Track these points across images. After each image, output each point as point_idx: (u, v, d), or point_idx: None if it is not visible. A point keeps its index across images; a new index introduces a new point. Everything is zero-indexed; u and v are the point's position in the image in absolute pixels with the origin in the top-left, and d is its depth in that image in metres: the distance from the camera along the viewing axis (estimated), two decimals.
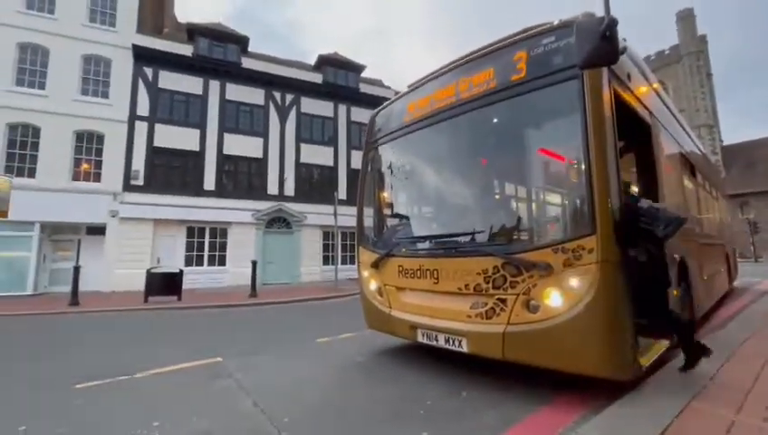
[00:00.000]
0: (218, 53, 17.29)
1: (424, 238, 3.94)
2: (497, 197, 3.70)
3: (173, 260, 14.65)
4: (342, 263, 18.07)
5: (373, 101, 18.02)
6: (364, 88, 20.67)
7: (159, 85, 15.94)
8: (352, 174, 19.20)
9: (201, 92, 16.80)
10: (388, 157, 4.47)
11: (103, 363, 4.42)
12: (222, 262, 16.24)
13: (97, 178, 14.55)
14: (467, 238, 3.39)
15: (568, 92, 2.81)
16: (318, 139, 19.37)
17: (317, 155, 19.13)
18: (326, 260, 18.47)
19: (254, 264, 11.96)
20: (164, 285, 10.74)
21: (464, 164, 3.85)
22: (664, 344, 3.41)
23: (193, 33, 17.32)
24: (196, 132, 16.45)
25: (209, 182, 16.37)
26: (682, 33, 49.34)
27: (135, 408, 3.05)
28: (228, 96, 17.31)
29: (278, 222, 17.60)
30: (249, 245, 16.53)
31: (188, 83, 16.54)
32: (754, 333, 4.35)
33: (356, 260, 4.85)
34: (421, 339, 3.59)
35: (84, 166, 14.49)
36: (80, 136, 14.54)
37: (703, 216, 6.26)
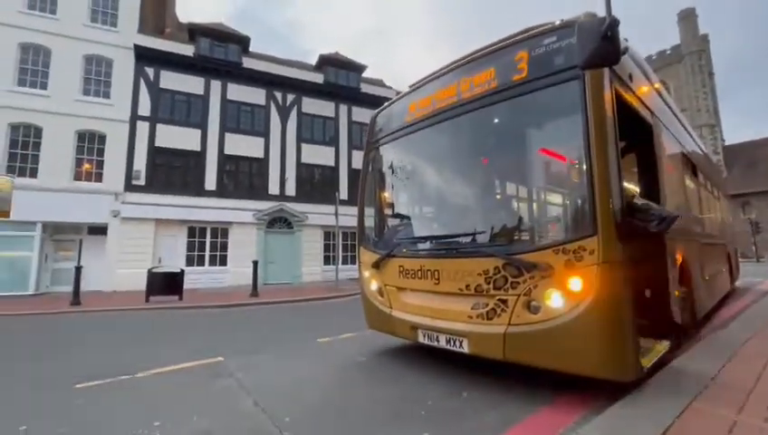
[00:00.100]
0: (220, 53, 17.31)
1: (425, 239, 3.93)
2: (498, 197, 3.69)
3: (174, 260, 14.68)
4: (343, 263, 18.09)
5: (374, 101, 18.03)
6: (365, 88, 20.68)
7: (161, 85, 15.97)
8: (353, 174, 19.21)
9: (202, 92, 16.83)
10: (390, 157, 4.47)
11: (104, 363, 4.43)
12: (223, 262, 16.26)
13: (98, 178, 14.59)
14: (468, 239, 3.38)
15: (569, 93, 2.80)
16: (319, 139, 19.39)
17: (318, 155, 19.14)
18: (327, 260, 18.49)
19: (256, 264, 11.98)
20: (165, 284, 10.77)
21: (465, 164, 3.85)
22: (665, 345, 3.40)
23: (194, 33, 17.35)
24: (198, 132, 16.48)
25: (210, 182, 16.40)
26: (683, 33, 49.23)
27: (136, 407, 3.06)
28: (229, 96, 17.34)
29: (279, 222, 17.62)
30: (250, 245, 16.56)
31: (190, 83, 16.57)
32: (756, 334, 4.33)
33: (357, 260, 4.85)
34: (422, 339, 3.59)
35: (86, 166, 14.53)
36: (81, 136, 14.58)
37: (704, 216, 6.24)
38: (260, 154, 17.64)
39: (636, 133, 3.77)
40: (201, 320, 7.94)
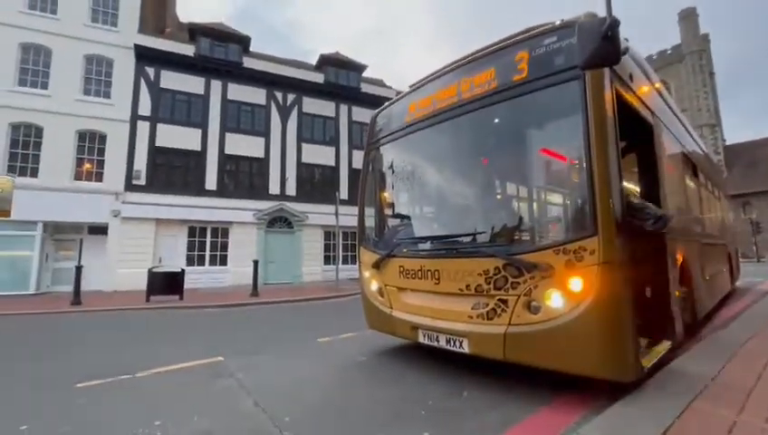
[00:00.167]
0: (220, 53, 17.32)
1: (425, 239, 3.93)
2: (498, 197, 3.69)
3: (175, 260, 14.69)
4: (343, 263, 18.10)
5: (375, 101, 18.02)
6: (365, 88, 20.68)
7: (161, 85, 15.98)
8: (354, 174, 19.21)
9: (203, 92, 16.83)
10: (390, 157, 4.47)
11: (105, 363, 4.43)
12: (223, 262, 16.27)
13: (99, 177, 14.61)
14: (469, 239, 3.39)
15: (569, 93, 2.80)
16: (319, 138, 19.39)
17: (318, 155, 19.15)
18: (327, 260, 18.50)
19: (256, 263, 11.98)
20: (166, 284, 10.78)
21: (465, 164, 3.85)
22: (665, 345, 3.41)
23: (195, 32, 17.35)
24: (198, 132, 16.48)
25: (211, 182, 16.41)
26: (684, 33, 49.16)
27: (136, 407, 3.06)
28: (230, 96, 17.35)
29: (279, 222, 17.62)
30: (250, 244, 16.57)
31: (190, 83, 16.58)
32: (756, 334, 4.33)
33: (357, 260, 4.86)
34: (422, 340, 3.59)
35: (86, 166, 14.54)
36: (82, 136, 14.60)
37: (705, 216, 6.24)
38: (260, 154, 17.65)
39: (636, 133, 3.77)
40: (201, 320, 7.94)
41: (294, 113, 18.79)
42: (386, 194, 4.63)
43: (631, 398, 2.58)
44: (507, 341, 2.90)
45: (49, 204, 13.37)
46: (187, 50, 16.66)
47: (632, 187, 4.10)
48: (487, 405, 2.82)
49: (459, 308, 3.27)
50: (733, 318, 5.69)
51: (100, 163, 14.70)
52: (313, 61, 21.31)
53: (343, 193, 18.28)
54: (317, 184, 19.11)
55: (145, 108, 15.52)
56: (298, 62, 21.20)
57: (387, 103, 4.64)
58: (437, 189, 4.18)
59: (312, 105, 19.28)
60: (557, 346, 2.69)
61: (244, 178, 17.37)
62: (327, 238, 18.68)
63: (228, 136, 17.00)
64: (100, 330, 6.86)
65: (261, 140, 17.76)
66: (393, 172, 4.47)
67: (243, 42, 18.19)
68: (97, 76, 15.15)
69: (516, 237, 3.18)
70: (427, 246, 3.79)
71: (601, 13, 2.71)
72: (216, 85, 17.12)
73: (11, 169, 13.19)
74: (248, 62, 17.84)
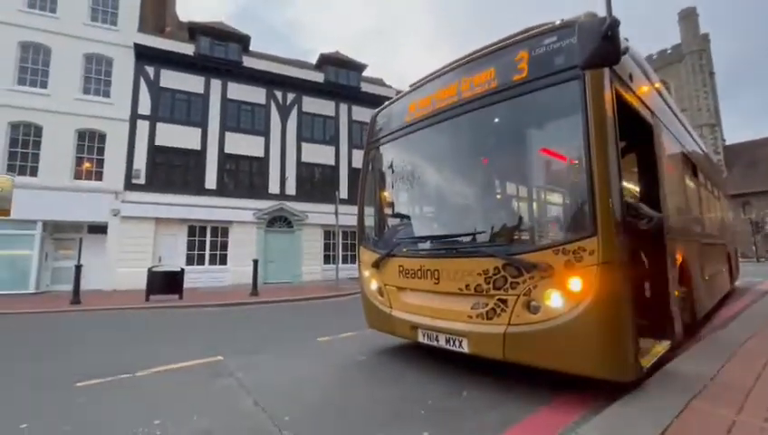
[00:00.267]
0: (220, 52, 17.30)
1: (425, 238, 3.93)
2: (498, 197, 3.69)
3: (174, 259, 14.69)
4: (343, 262, 18.11)
5: (374, 101, 18.03)
6: (365, 87, 20.67)
7: (161, 84, 15.97)
8: (353, 173, 19.21)
9: (202, 91, 16.82)
10: (390, 156, 4.47)
11: (105, 362, 4.44)
12: (223, 261, 16.27)
13: (99, 176, 14.60)
14: (468, 239, 3.39)
15: (569, 93, 2.80)
16: (319, 138, 19.38)
17: (318, 154, 19.14)
18: (327, 259, 18.51)
19: (256, 263, 11.98)
20: (165, 283, 10.78)
21: (465, 164, 3.85)
22: (665, 345, 3.41)
23: (194, 32, 17.33)
24: (198, 131, 16.47)
25: (210, 181, 16.40)
26: (684, 32, 49.16)
27: (136, 406, 3.06)
28: (230, 95, 17.34)
29: (279, 221, 17.62)
30: (250, 244, 16.57)
31: (190, 82, 16.57)
32: (756, 333, 4.34)
33: (357, 259, 4.86)
34: (422, 339, 3.60)
35: (86, 165, 14.54)
36: (81, 135, 14.59)
37: (704, 216, 6.24)
38: (260, 153, 17.64)
39: (636, 133, 3.77)
40: (201, 319, 7.94)
41: (294, 112, 18.78)
42: (386, 193, 4.63)
43: (630, 397, 2.58)
44: (507, 340, 2.90)
45: (48, 203, 13.37)
46: (187, 49, 16.65)
47: (628, 186, 4.10)
48: (487, 405, 2.82)
49: (459, 308, 3.27)
50: (732, 318, 5.69)
51: (100, 162, 14.70)
52: (313, 60, 21.29)
53: (343, 192, 18.28)
54: (317, 183, 19.11)
55: (145, 107, 15.51)
56: (298, 62, 21.18)
57: (387, 103, 4.64)
58: (437, 189, 4.18)
59: (312, 104, 19.27)
60: (556, 346, 2.69)
61: (243, 177, 17.37)
62: (327, 238, 18.68)
63: (228, 135, 17.00)
64: (100, 329, 6.86)
65: (261, 140, 17.75)
66: (393, 172, 4.47)
67: (243, 41, 18.18)
68: (96, 75, 15.14)
69: (516, 237, 3.18)
70: (427, 245, 3.79)
71: (601, 13, 2.71)
72: (216, 84, 17.10)
73: (10, 169, 13.19)
74: (248, 62, 17.83)
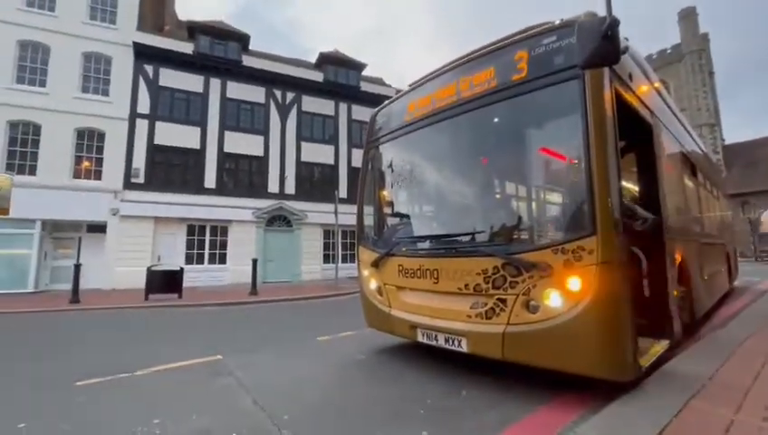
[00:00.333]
0: (219, 51, 17.26)
1: (424, 238, 3.93)
2: (497, 197, 3.69)
3: (173, 258, 14.68)
4: (343, 261, 18.10)
5: (374, 100, 18.02)
6: (365, 86, 20.64)
7: (160, 83, 15.94)
8: (353, 173, 19.19)
9: (202, 90, 16.79)
10: (389, 156, 4.47)
11: (104, 361, 4.43)
12: (222, 260, 16.26)
13: (98, 175, 14.58)
14: (467, 238, 3.39)
15: (569, 92, 2.80)
16: (319, 137, 19.37)
17: (318, 153, 19.13)
18: (326, 259, 18.51)
19: (255, 262, 11.97)
20: (164, 282, 10.77)
21: (464, 164, 3.85)
22: (664, 345, 3.41)
23: (194, 30, 17.29)
24: (197, 130, 16.45)
25: (210, 180, 16.38)
26: (684, 32, 49.10)
27: (136, 405, 3.06)
28: (229, 94, 17.31)
29: (279, 220, 17.61)
30: (250, 243, 16.56)
31: (189, 81, 16.54)
32: (755, 333, 4.35)
33: (356, 259, 4.86)
34: (421, 339, 3.60)
35: (85, 164, 14.51)
36: (80, 134, 14.56)
37: (703, 215, 6.25)
38: (259, 152, 17.62)
39: (635, 133, 3.77)
40: (200, 318, 7.94)
41: (294, 112, 18.76)
42: (385, 193, 4.63)
43: (629, 397, 2.59)
44: (506, 340, 2.90)
45: (47, 202, 13.34)
46: (186, 48, 16.61)
47: (627, 186, 4.10)
48: (486, 404, 2.83)
49: (458, 307, 3.27)
50: (731, 317, 5.70)
51: (99, 161, 14.67)
52: (313, 59, 21.26)
53: (342, 192, 18.27)
54: (316, 183, 19.10)
55: (144, 106, 15.48)
56: (297, 61, 21.14)
57: (386, 102, 4.64)
58: (436, 188, 4.18)
59: (312, 104, 19.25)
60: (555, 346, 2.70)
61: (243, 176, 17.35)
62: (326, 237, 18.68)
63: (227, 134, 16.97)
64: (99, 328, 6.86)
65: (260, 139, 17.73)
66: (392, 171, 4.47)
67: (242, 40, 18.14)
68: (95, 74, 15.10)
69: (515, 237, 3.18)
70: (426, 245, 3.79)
71: (601, 12, 2.71)
72: (216, 83, 17.07)
73: (9, 167, 13.16)
74: (247, 61, 17.79)
